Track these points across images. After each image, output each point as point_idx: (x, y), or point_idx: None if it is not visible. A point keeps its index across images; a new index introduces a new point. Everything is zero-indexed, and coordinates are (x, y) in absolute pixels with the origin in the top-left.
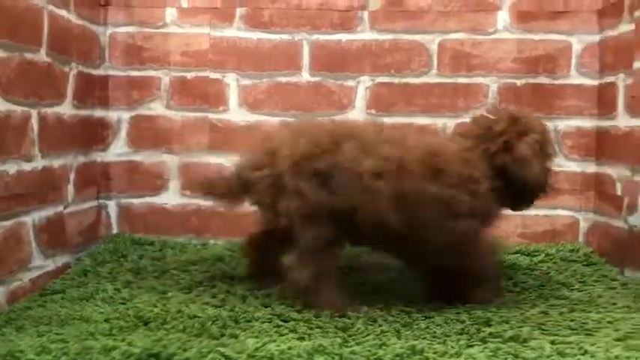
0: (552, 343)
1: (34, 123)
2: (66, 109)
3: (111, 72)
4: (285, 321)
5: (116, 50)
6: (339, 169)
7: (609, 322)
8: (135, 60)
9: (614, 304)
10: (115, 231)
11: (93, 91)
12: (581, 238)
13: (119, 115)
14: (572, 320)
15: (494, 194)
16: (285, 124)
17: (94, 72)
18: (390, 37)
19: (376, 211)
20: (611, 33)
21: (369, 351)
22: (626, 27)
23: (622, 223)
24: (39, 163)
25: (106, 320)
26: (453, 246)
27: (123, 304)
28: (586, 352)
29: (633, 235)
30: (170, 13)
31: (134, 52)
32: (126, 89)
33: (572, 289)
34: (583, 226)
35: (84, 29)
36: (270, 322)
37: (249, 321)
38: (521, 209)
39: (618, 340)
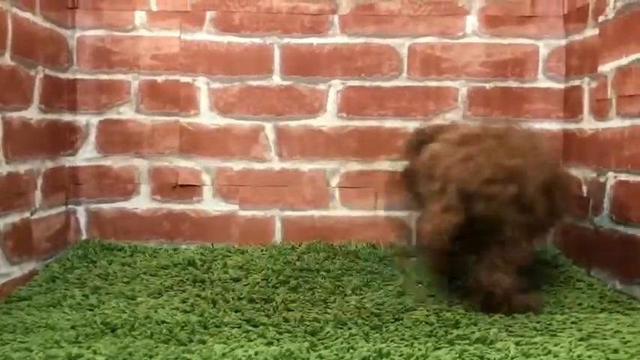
0: (517, 344)
1: None
2: (32, 113)
3: (79, 76)
4: (254, 326)
5: (84, 54)
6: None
7: (573, 323)
8: (104, 63)
9: (580, 304)
10: (84, 237)
11: (61, 95)
12: (548, 239)
13: (88, 120)
14: (537, 322)
15: None
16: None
17: (62, 75)
18: (360, 40)
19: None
20: (576, 37)
21: (337, 355)
22: (590, 32)
23: (588, 224)
24: (4, 168)
25: (73, 327)
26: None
27: (90, 310)
28: (549, 352)
29: (599, 235)
30: (139, 17)
31: (103, 55)
32: (94, 93)
33: (539, 291)
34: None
35: (51, 32)
36: (239, 327)
37: (218, 326)
38: None
39: (581, 339)
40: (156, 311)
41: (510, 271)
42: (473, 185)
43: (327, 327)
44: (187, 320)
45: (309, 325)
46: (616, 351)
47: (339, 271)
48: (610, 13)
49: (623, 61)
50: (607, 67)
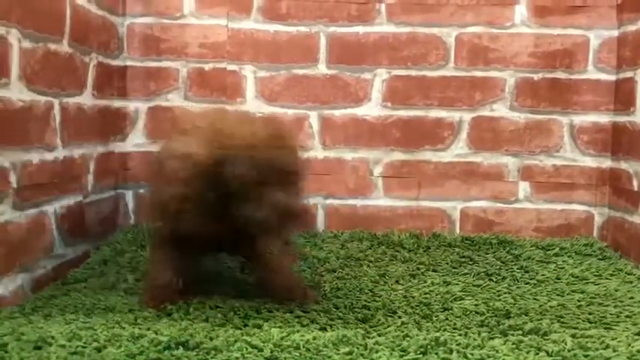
0: (573, 336)
1: (56, 113)
2: (86, 99)
3: (129, 63)
4: (305, 312)
5: (134, 41)
6: None
7: (627, 317)
8: (153, 51)
9: (632, 297)
10: (132, 221)
11: (111, 81)
12: (595, 233)
13: (137, 106)
14: (590, 313)
15: None
16: None
17: (113, 62)
18: (407, 29)
19: None
20: (630, 28)
21: (393, 342)
22: None
23: (638, 219)
24: (60, 152)
25: (131, 310)
26: None
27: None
28: (608, 346)
29: None
30: (188, 4)
31: (152, 43)
32: (144, 80)
33: (587, 283)
34: (598, 220)
35: (103, 20)
36: (291, 312)
37: (270, 311)
38: None
39: (638, 334)
40: (208, 297)
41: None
42: None
43: (378, 314)
44: (240, 305)
45: (359, 313)
46: None
47: (383, 262)
48: None
49: None
50: None
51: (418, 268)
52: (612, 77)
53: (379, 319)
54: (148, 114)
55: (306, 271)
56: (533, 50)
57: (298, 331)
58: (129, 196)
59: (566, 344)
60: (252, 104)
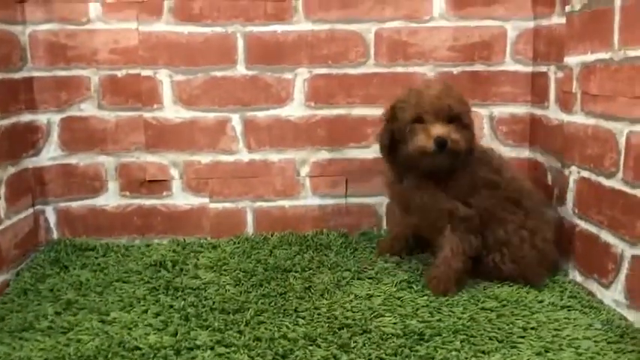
0: None
1: None
2: None
3: (35, 73)
4: (226, 346)
5: (38, 50)
6: None
7: (533, 329)
8: (60, 59)
9: (541, 301)
10: (55, 235)
11: (17, 95)
12: None
13: (49, 118)
14: (499, 329)
15: None
16: None
17: (16, 75)
18: (326, 27)
19: None
20: (544, 22)
21: None
22: (557, 19)
23: (553, 212)
24: None
25: None
26: None
27: (64, 333)
28: None
29: (562, 225)
30: (94, 8)
31: (58, 50)
32: (53, 90)
33: (502, 285)
34: None
35: (0, 33)
36: (212, 349)
37: (190, 349)
38: None
39: (539, 354)
40: (129, 331)
41: None
42: None
43: (298, 348)
44: (160, 344)
45: (279, 346)
46: None
47: (310, 270)
48: (576, 4)
49: (589, 57)
50: (573, 60)
51: (344, 277)
52: (529, 69)
53: (297, 355)
54: (61, 125)
55: (230, 290)
56: (452, 44)
57: None
58: (49, 211)
59: None
60: (171, 110)
